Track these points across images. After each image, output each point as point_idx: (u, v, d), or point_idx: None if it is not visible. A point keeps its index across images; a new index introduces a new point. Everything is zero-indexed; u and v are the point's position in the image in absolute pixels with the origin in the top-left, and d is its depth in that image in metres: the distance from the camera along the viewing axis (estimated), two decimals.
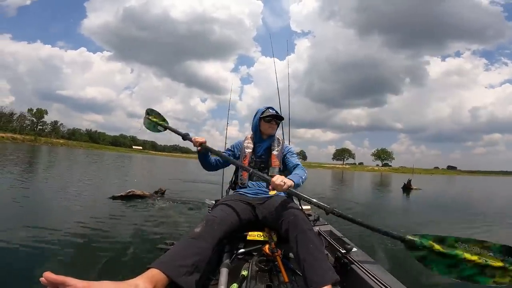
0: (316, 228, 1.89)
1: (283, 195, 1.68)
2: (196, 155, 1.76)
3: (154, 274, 0.91)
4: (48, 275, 0.72)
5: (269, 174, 1.73)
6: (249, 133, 2.01)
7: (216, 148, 1.76)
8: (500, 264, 1.04)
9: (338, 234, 1.91)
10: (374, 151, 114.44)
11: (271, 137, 1.88)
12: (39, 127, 78.84)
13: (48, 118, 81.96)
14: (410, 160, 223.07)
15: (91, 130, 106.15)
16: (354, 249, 1.52)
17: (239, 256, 1.38)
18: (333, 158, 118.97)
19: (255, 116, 1.88)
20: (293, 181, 1.42)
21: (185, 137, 1.79)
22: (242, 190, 1.75)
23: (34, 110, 78.10)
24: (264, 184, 1.72)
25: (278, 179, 1.36)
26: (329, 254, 1.60)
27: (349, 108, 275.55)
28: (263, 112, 1.85)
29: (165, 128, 1.99)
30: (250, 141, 1.88)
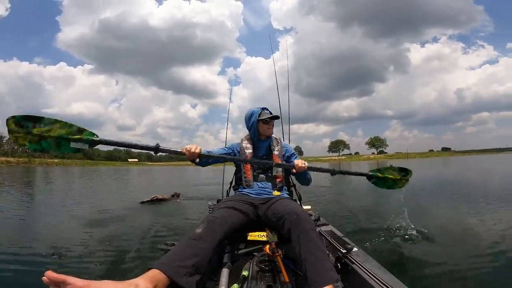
0: (317, 228, 1.92)
1: (285, 196, 1.72)
2: (191, 164, 1.61)
3: (154, 274, 0.93)
4: (50, 274, 0.74)
5: (273, 173, 1.79)
6: (243, 134, 2.02)
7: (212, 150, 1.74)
8: (398, 176, 1.94)
9: (339, 234, 1.92)
10: (368, 139, 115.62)
11: (269, 136, 1.93)
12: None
13: None
14: (405, 145, 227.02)
15: None
16: (355, 249, 1.53)
17: (239, 256, 1.40)
18: (328, 151, 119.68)
19: (250, 117, 1.88)
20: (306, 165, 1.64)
21: (156, 150, 1.45)
22: (245, 190, 1.76)
23: None
24: (268, 184, 1.76)
25: (300, 162, 1.61)
26: (329, 254, 1.61)
27: (338, 100, 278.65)
28: (259, 114, 1.85)
29: (92, 143, 1.37)
30: (247, 142, 1.90)
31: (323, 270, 1.08)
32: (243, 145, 1.88)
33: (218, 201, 2.06)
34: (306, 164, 1.60)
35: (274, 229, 1.49)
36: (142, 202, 6.52)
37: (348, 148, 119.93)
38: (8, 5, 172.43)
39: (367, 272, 1.29)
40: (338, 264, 1.47)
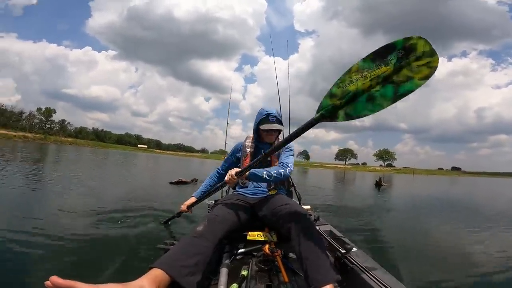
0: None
1: (282, 194, 1.73)
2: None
3: (157, 274, 0.92)
4: (55, 280, 0.69)
5: None
6: (251, 132, 1.97)
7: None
8: (389, 69, 0.93)
9: (338, 234, 1.91)
10: (376, 151, 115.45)
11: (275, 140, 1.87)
12: (47, 125, 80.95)
13: (55, 117, 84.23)
14: (414, 160, 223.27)
15: (97, 128, 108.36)
16: (354, 249, 1.52)
17: (239, 256, 1.40)
18: (335, 158, 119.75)
19: (256, 119, 1.83)
20: (248, 173, 1.49)
21: (166, 221, 1.91)
22: (241, 190, 1.76)
23: (43, 109, 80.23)
24: (264, 184, 1.74)
25: (228, 174, 1.52)
26: (329, 254, 1.62)
27: None
28: (261, 120, 1.76)
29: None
30: (251, 141, 1.87)
31: (324, 269, 1.06)
32: (246, 143, 1.87)
33: (216, 201, 2.05)
34: (233, 173, 1.50)
35: (273, 228, 1.50)
36: (171, 183, 7.91)
37: (355, 158, 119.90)
38: None
39: (366, 272, 1.29)
40: (338, 264, 1.48)
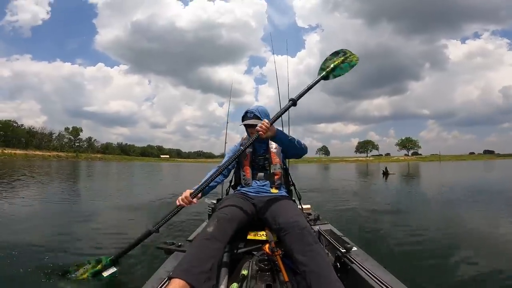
0: (316, 228, 1.93)
1: (284, 195, 1.75)
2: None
3: (181, 285, 0.98)
4: None
5: (271, 171, 1.79)
6: None
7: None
8: (342, 58, 1.80)
9: (338, 233, 1.92)
10: (398, 140, 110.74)
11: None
12: (76, 144, 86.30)
13: (82, 135, 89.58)
14: (442, 147, 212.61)
15: (121, 143, 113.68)
16: (354, 248, 1.53)
17: (239, 256, 1.40)
18: (355, 151, 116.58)
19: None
20: (276, 130, 1.55)
21: (156, 231, 1.73)
22: (243, 189, 1.77)
23: (70, 129, 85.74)
24: (266, 183, 1.76)
25: (259, 124, 1.49)
26: (329, 253, 1.61)
27: (368, 98, 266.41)
28: (242, 118, 1.87)
29: (115, 262, 1.95)
30: (247, 141, 1.86)
31: (327, 281, 1.09)
32: (243, 143, 1.88)
33: (218, 200, 2.05)
34: (266, 120, 1.50)
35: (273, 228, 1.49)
36: None
37: (377, 149, 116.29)
38: (49, 8, 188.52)
39: (366, 272, 1.29)
40: (338, 264, 1.48)
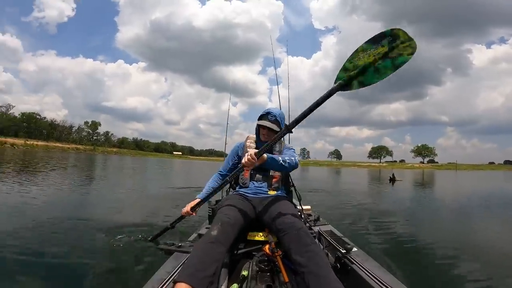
0: (316, 228, 1.94)
1: (283, 196, 1.76)
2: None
3: None
4: None
5: (270, 173, 1.78)
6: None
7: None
8: (385, 49, 1.18)
9: (338, 234, 1.92)
10: (414, 147, 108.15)
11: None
12: (94, 137, 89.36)
13: (100, 129, 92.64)
14: (460, 155, 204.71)
15: (136, 138, 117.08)
16: (354, 249, 1.52)
17: (239, 256, 1.41)
18: (368, 156, 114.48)
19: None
20: (267, 156, 1.47)
21: (173, 225, 2.04)
22: (242, 190, 1.77)
23: (89, 123, 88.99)
24: (264, 184, 1.76)
25: (245, 157, 1.42)
26: (329, 254, 1.61)
27: (385, 103, 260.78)
28: (261, 116, 1.80)
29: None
30: (252, 141, 1.88)
31: (326, 281, 1.10)
32: (247, 143, 1.88)
33: (217, 201, 2.06)
34: (252, 152, 1.42)
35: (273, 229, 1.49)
36: None
37: (391, 155, 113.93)
38: (74, 5, 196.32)
39: (367, 273, 1.29)
40: (338, 264, 1.47)
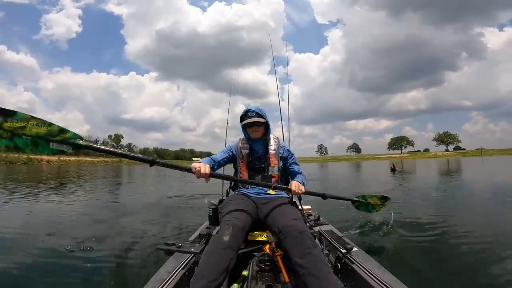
0: (317, 228, 1.96)
1: (284, 196, 1.77)
2: None
3: None
4: None
5: (269, 173, 1.79)
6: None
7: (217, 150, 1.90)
8: (378, 202, 2.47)
9: (339, 234, 1.92)
10: (436, 135, 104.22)
11: (265, 136, 1.85)
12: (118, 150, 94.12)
13: (122, 141, 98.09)
14: (490, 140, 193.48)
15: (157, 147, 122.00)
16: (355, 249, 1.54)
17: (239, 256, 1.38)
18: (388, 148, 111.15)
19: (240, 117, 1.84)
20: (304, 187, 1.66)
21: (152, 163, 1.36)
22: (243, 190, 1.78)
23: (113, 136, 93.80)
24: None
25: (296, 187, 1.60)
26: (329, 254, 1.64)
27: (401, 92, 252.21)
28: (241, 118, 1.80)
29: (77, 146, 1.26)
30: (244, 142, 1.87)
31: (326, 283, 1.11)
32: (240, 145, 1.87)
33: (220, 201, 2.06)
34: (303, 189, 1.62)
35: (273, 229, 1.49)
36: None
37: (412, 145, 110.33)
38: (79, 21, 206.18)
39: (367, 272, 1.30)
40: (338, 264, 1.49)
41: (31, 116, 1.15)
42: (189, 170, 1.46)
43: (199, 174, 1.44)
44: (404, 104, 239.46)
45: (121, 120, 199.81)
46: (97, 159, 70.00)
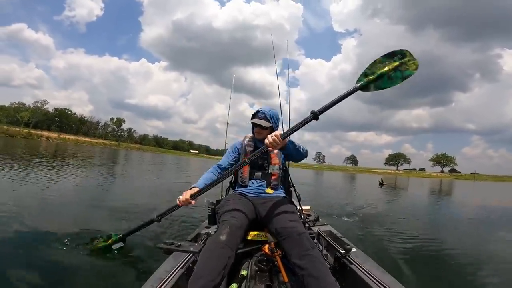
0: (316, 228, 1.95)
1: (282, 196, 1.75)
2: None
3: None
4: None
5: (269, 171, 1.79)
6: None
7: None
8: (397, 63, 1.48)
9: (338, 234, 1.93)
10: (433, 156, 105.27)
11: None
12: (118, 133, 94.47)
13: (123, 125, 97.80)
14: (487, 165, 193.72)
15: (156, 135, 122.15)
16: (354, 249, 1.54)
17: (238, 256, 1.37)
18: (385, 163, 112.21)
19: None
20: (287, 142, 1.49)
21: (159, 219, 1.98)
22: (241, 189, 1.78)
23: (115, 119, 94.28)
24: (263, 183, 1.76)
25: (269, 137, 1.40)
26: (328, 254, 1.64)
27: (406, 108, 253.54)
28: (252, 115, 1.85)
29: (123, 239, 2.30)
30: (250, 140, 1.91)
31: (325, 284, 1.12)
32: (245, 142, 1.91)
33: (218, 201, 1.97)
34: (278, 133, 1.41)
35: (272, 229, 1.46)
36: None
37: (408, 163, 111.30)
38: (102, 5, 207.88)
39: (365, 273, 1.30)
40: (337, 265, 1.49)
41: (97, 236, 2.42)
42: (176, 206, 1.68)
43: (181, 204, 1.61)
44: (408, 121, 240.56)
45: (125, 104, 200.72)
46: (95, 141, 70.55)
